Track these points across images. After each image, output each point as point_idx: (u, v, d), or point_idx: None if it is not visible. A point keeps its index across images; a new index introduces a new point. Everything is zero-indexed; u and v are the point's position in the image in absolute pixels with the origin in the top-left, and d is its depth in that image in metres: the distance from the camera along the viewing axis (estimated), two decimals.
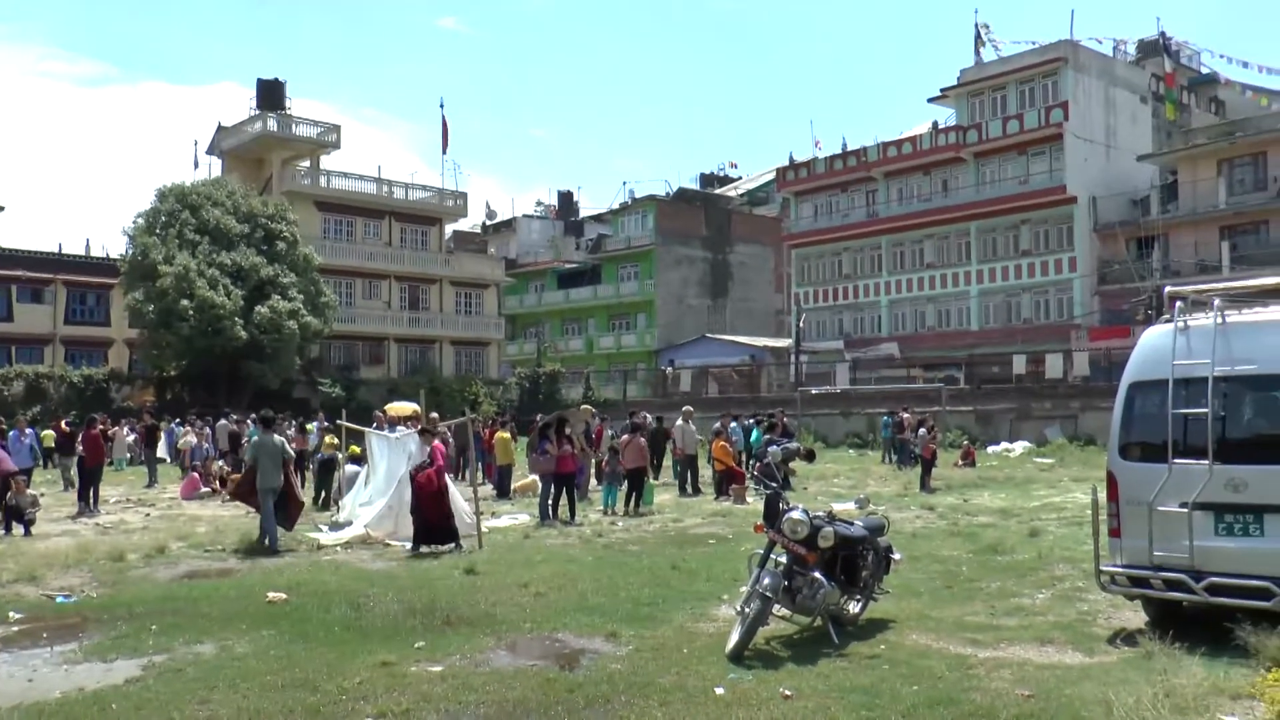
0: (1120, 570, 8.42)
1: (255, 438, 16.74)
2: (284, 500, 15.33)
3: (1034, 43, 50.72)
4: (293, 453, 16.47)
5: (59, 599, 11.01)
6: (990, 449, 34.23)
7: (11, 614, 10.19)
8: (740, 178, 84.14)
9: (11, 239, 56.57)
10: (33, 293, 53.06)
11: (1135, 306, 40.76)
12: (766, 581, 8.19)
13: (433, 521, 14.43)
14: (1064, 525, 15.87)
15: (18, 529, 16.38)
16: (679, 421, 23.95)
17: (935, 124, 56.13)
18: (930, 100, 55.23)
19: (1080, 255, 48.02)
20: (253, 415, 27.32)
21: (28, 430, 23.09)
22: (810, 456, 11.42)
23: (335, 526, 16.74)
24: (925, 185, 54.44)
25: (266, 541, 14.66)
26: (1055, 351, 42.13)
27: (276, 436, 15.97)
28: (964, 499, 20.52)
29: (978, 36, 53.33)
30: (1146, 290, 40.51)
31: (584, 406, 24.15)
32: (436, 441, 15.30)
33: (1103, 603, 9.67)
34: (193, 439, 27.46)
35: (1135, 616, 9.13)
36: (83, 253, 58.07)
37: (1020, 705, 6.71)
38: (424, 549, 14.23)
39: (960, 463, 28.83)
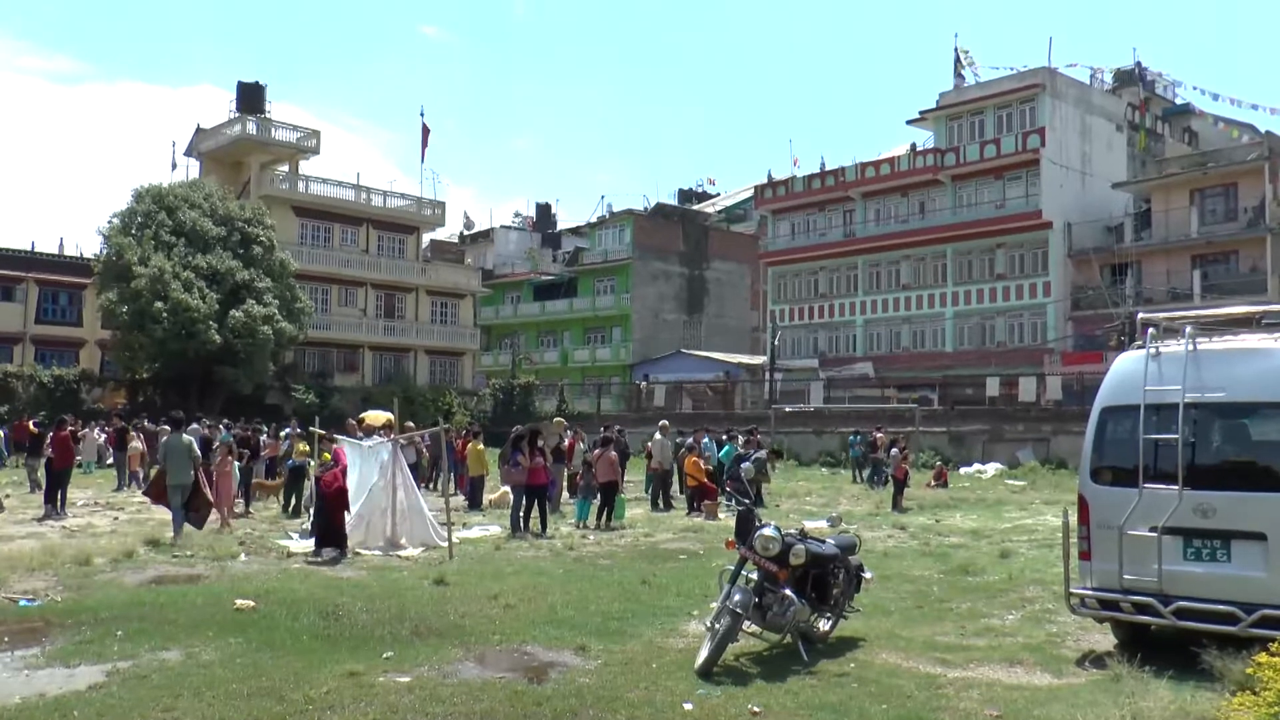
0: (1090, 593, 8.46)
1: (165, 439, 17.31)
2: (193, 499, 16.15)
3: (1013, 68, 51.25)
4: (199, 454, 17.09)
5: (22, 602, 10.84)
6: (963, 470, 34.39)
7: None
8: (718, 194, 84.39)
9: None
10: (3, 290, 52.50)
11: (1108, 332, 41.16)
12: (737, 598, 8.18)
13: (338, 524, 14.76)
14: (1035, 547, 15.94)
15: None
16: (656, 435, 23.93)
17: (914, 146, 56.56)
18: (909, 122, 55.60)
19: (1055, 280, 48.41)
20: (224, 420, 27.18)
21: None
22: (777, 455, 11.47)
23: (305, 534, 16.61)
24: (903, 206, 54.75)
25: (170, 536, 15.41)
26: (1029, 375, 42.40)
27: (185, 437, 16.92)
28: (936, 519, 20.59)
29: (957, 60, 53.77)
30: (1119, 316, 40.92)
31: (557, 420, 24.11)
32: (338, 446, 16.03)
33: (1072, 625, 9.71)
34: (138, 445, 27.07)
35: (1104, 639, 9.17)
36: (56, 251, 57.52)
37: None
38: (393, 556, 14.18)
39: (933, 483, 28.93)
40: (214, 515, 17.16)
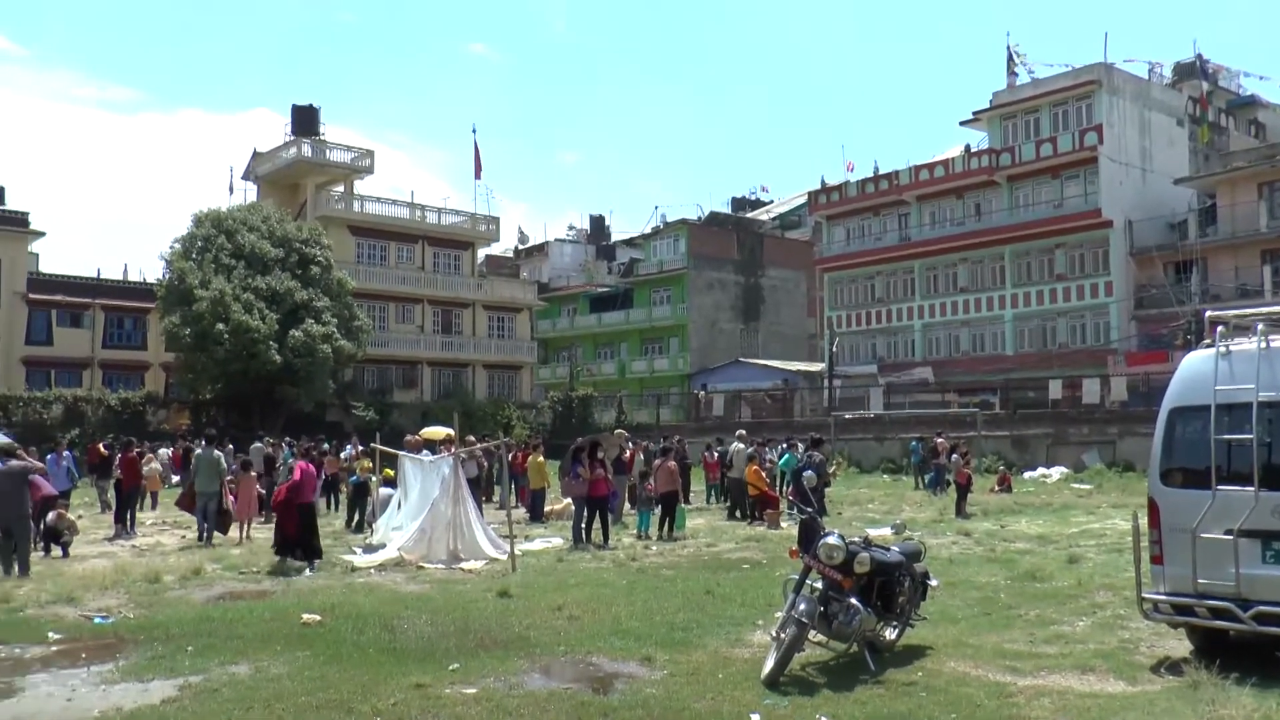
0: (1163, 598, 8.27)
1: (197, 453, 20.12)
2: (217, 508, 18.61)
3: (1067, 66, 50.54)
4: (226, 467, 19.60)
5: (96, 620, 11.08)
6: (1026, 474, 33.91)
7: (50, 634, 10.27)
8: (772, 201, 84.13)
9: (51, 264, 57.30)
10: (72, 317, 53.80)
11: (1174, 331, 40.37)
12: (802, 607, 8.13)
13: (290, 534, 15.52)
14: (1103, 552, 15.67)
15: (55, 550, 16.53)
16: (735, 445, 23.93)
17: (967, 147, 55.97)
18: (962, 123, 55.07)
19: (1116, 279, 47.62)
20: (287, 439, 27.52)
21: (64, 453, 23.33)
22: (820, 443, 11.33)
23: (369, 549, 16.82)
24: (958, 209, 54.21)
25: (203, 534, 18.09)
26: (1092, 376, 41.71)
27: (215, 452, 19.50)
28: (1001, 525, 20.33)
29: (1010, 59, 53.14)
30: (1185, 315, 40.12)
31: (618, 431, 24.16)
32: (302, 462, 17.03)
33: (1145, 631, 9.51)
34: (156, 465, 27.20)
35: (1180, 645, 8.96)
36: (120, 278, 58.77)
37: None
38: (456, 570, 14.31)
39: (996, 488, 28.57)
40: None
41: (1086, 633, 9.78)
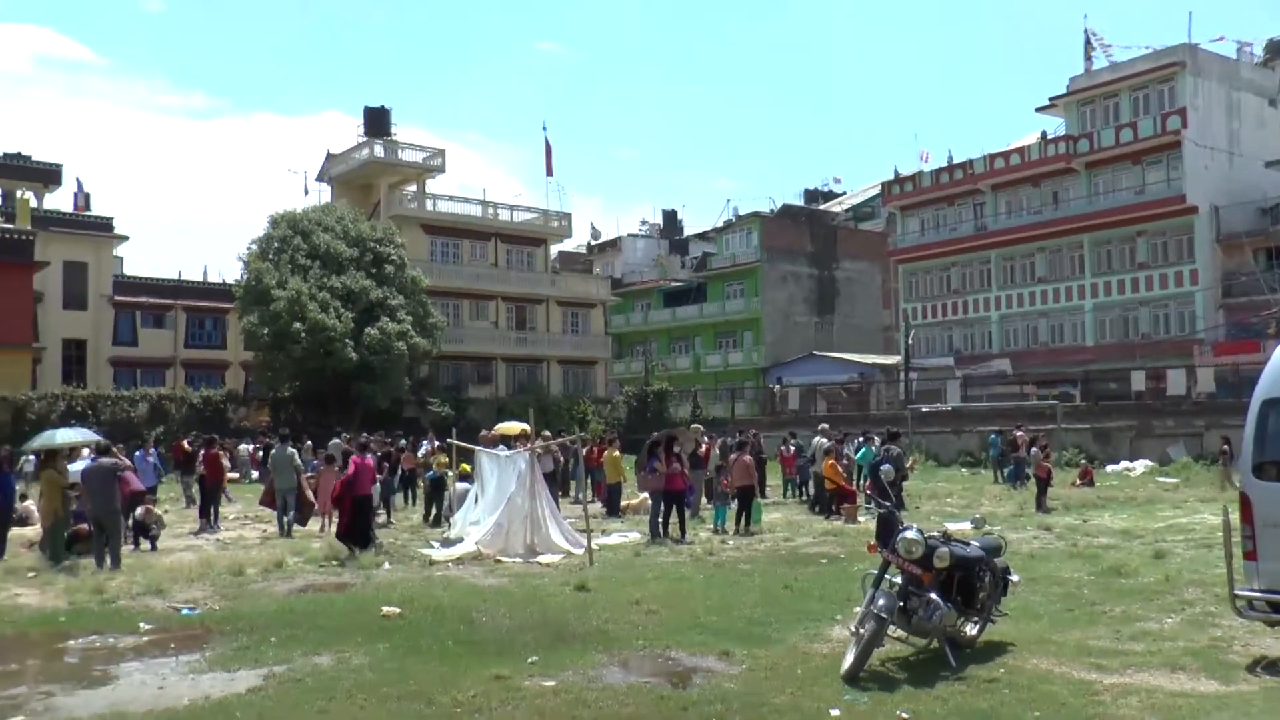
0: (1258, 595, 8.06)
1: (274, 451, 21.34)
2: (298, 501, 19.54)
3: (1148, 48, 49.26)
4: (301, 463, 20.52)
5: (184, 611, 11.38)
6: (1109, 468, 33.26)
7: (141, 625, 10.59)
8: (845, 193, 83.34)
9: (135, 268, 58.72)
10: (155, 318, 55.29)
11: (1266, 320, 39.24)
12: (881, 602, 8.06)
13: (345, 523, 16.43)
14: (1192, 547, 15.33)
15: (144, 544, 16.97)
16: (817, 439, 23.85)
17: (1044, 134, 54.95)
18: (1038, 110, 54.05)
19: (1202, 267, 46.38)
20: (364, 435, 27.87)
21: (151, 450, 23.94)
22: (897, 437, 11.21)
23: (446, 543, 17.01)
24: (1035, 197, 53.25)
25: (283, 528, 19.05)
26: (1177, 367, 40.75)
27: (289, 449, 20.40)
28: (1083, 519, 19.96)
29: (1087, 43, 52.04)
30: (1277, 303, 38.98)
31: (693, 426, 24.18)
32: (356, 456, 17.42)
33: (1238, 629, 9.27)
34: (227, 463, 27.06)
35: (1276, 644, 8.73)
36: (200, 279, 60.14)
37: None
38: (534, 564, 14.48)
39: (1078, 482, 28.05)
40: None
41: (1175, 630, 9.56)
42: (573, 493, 24.61)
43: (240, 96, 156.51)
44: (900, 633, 8.42)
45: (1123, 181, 49.58)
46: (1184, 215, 46.74)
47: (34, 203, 52.15)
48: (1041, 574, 12.80)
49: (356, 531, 16.38)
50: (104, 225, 55.07)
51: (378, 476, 21.37)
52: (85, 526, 15.57)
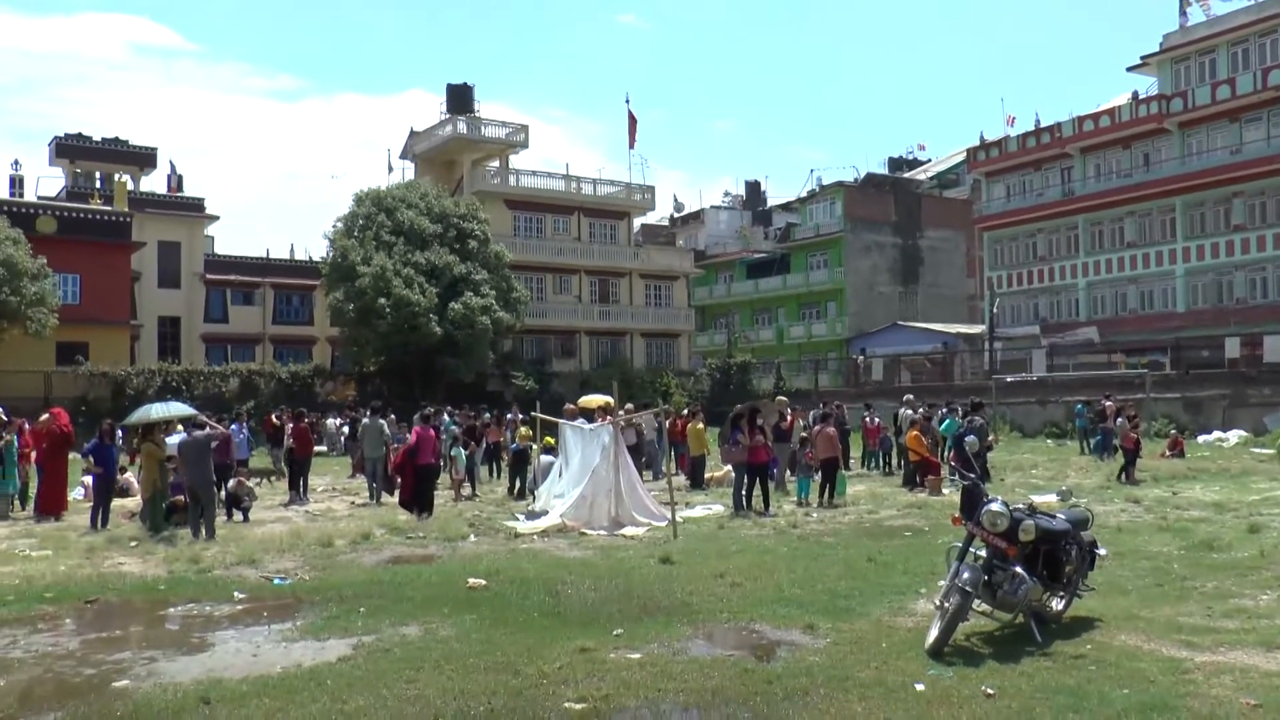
0: None
1: (364, 422, 22.57)
2: (385, 471, 20.35)
3: (1249, 0, 47.46)
4: (389, 434, 21.78)
5: (276, 581, 11.70)
6: (1201, 439, 32.45)
7: (236, 594, 10.93)
8: (929, 160, 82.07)
9: (225, 247, 60.23)
10: (244, 296, 56.76)
11: None
12: (966, 576, 8.00)
13: (408, 491, 17.68)
14: None
15: (237, 516, 17.47)
16: (904, 410, 23.68)
17: (1135, 94, 53.37)
18: (1130, 69, 52.56)
19: None
20: (449, 408, 28.30)
21: (244, 424, 24.62)
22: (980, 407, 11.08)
23: (531, 515, 17.23)
24: (1125, 160, 51.86)
25: (373, 494, 20.25)
26: (1275, 333, 39.49)
27: (379, 420, 21.48)
28: (1173, 492, 19.51)
29: None
30: None
31: (779, 398, 24.13)
32: (418, 427, 18.43)
33: None
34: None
35: None
36: (288, 257, 61.45)
37: (1246, 715, 6.31)
38: (618, 536, 14.66)
39: (1168, 453, 27.40)
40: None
41: (1272, 607, 9.31)
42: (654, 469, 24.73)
43: (325, 78, 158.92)
44: (985, 607, 8.31)
45: (1218, 141, 48.03)
46: None
47: (130, 185, 53.82)
48: (1129, 548, 12.58)
49: (420, 498, 17.54)
50: (196, 206, 56.53)
51: (465, 449, 21.92)
52: (182, 498, 16.09)
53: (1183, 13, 50.18)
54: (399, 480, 19.02)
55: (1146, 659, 7.61)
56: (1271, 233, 45.86)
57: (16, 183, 52.94)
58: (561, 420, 19.44)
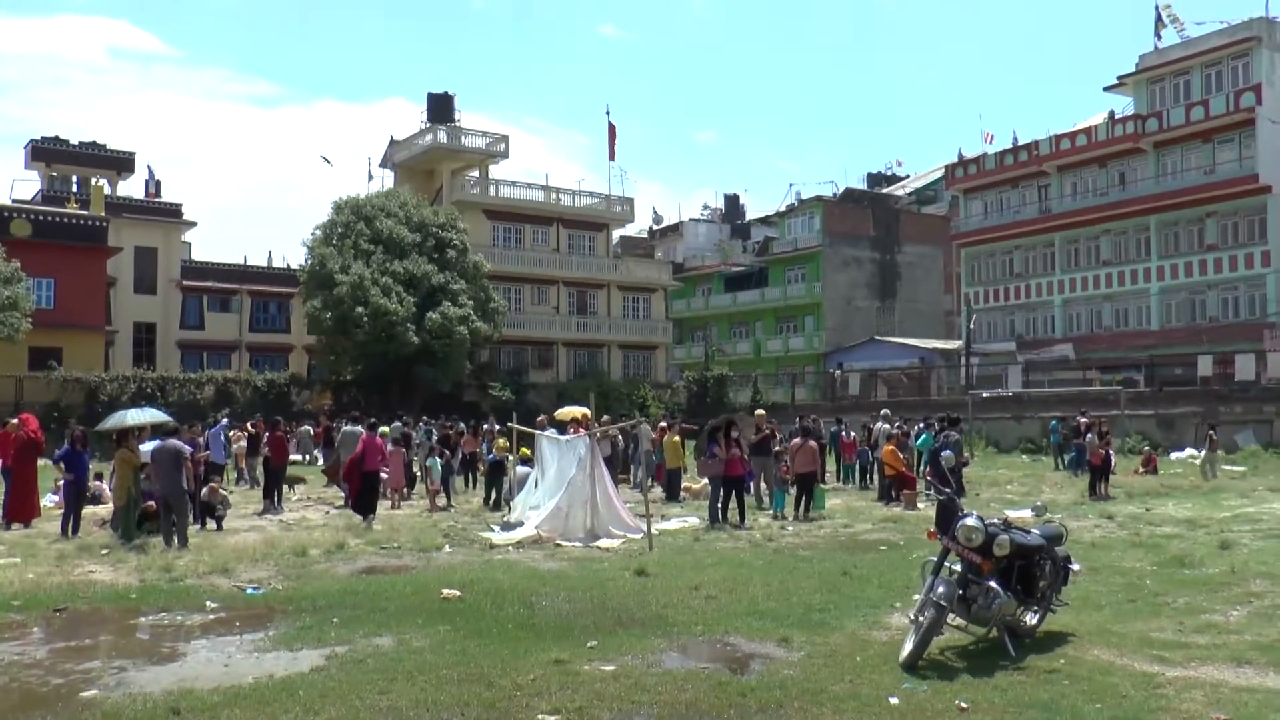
0: None
1: (343, 429, 23.45)
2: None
3: (1223, 22, 48.10)
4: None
5: (249, 590, 11.61)
6: (1174, 455, 32.70)
7: (208, 603, 10.84)
8: (908, 176, 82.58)
9: (202, 253, 59.82)
10: (221, 302, 56.42)
11: None
12: (941, 590, 8.03)
13: (354, 494, 18.82)
14: (1261, 538, 15.07)
15: (210, 524, 17.33)
16: (880, 424, 23.75)
17: (1111, 113, 53.96)
18: (1106, 89, 53.12)
19: (1275, 249, 45.19)
20: (425, 418, 28.24)
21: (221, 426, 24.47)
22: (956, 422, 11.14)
23: (507, 526, 17.18)
24: (1101, 178, 52.34)
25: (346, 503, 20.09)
26: (1246, 352, 39.86)
27: (358, 428, 21.47)
28: (1146, 508, 19.66)
29: (1158, 19, 51.01)
30: None
31: (758, 412, 24.15)
32: (366, 435, 19.24)
33: None
34: (243, 442, 26.28)
35: None
36: (265, 264, 61.09)
37: None
38: (594, 548, 14.63)
39: (1141, 469, 27.60)
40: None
41: (1242, 623, 9.39)
42: (632, 478, 24.71)
43: (304, 84, 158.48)
44: (959, 621, 8.35)
45: (1192, 161, 48.57)
46: (1256, 195, 45.66)
47: (107, 190, 53.42)
48: (1103, 563, 12.66)
49: (364, 503, 18.31)
50: (173, 211, 56.19)
51: (440, 459, 21.87)
52: (153, 504, 15.94)
53: (1158, 34, 50.90)
54: (400, 490, 20.26)
55: (1119, 674, 7.65)
56: (1243, 252, 46.38)
57: None
58: (537, 431, 19.42)
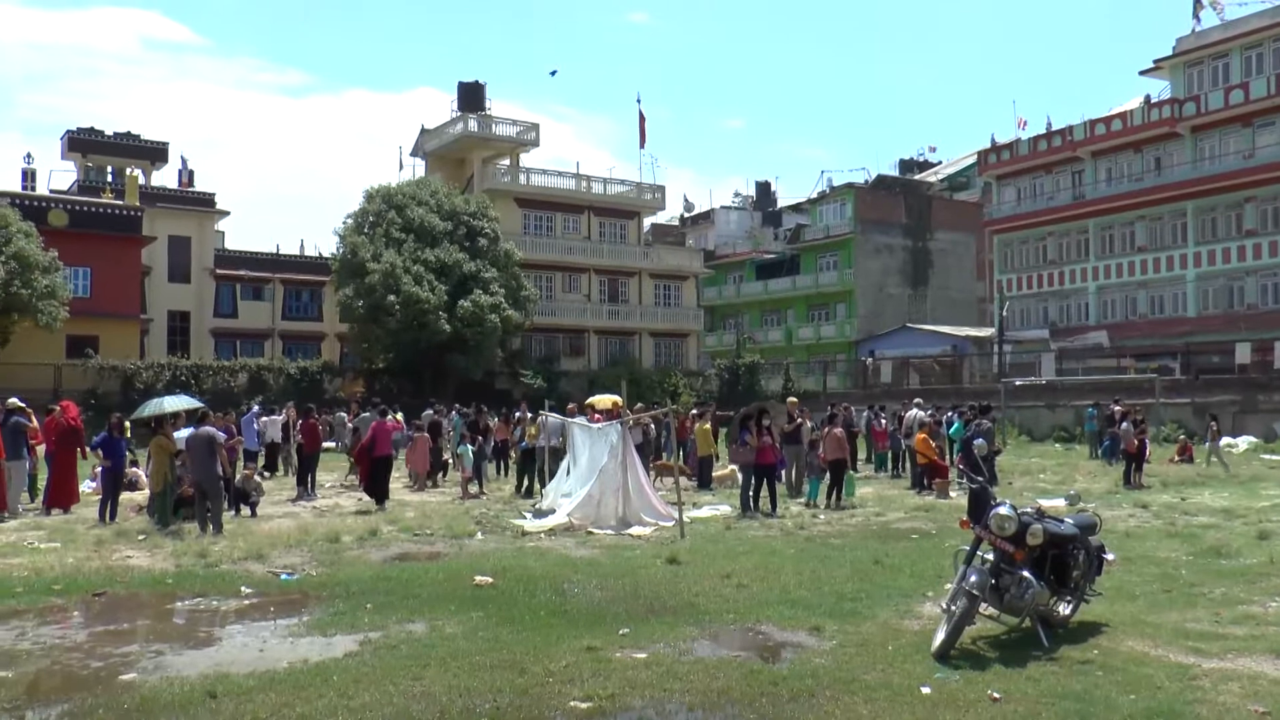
0: None
1: (364, 415, 24.14)
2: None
3: (1264, 3, 47.24)
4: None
5: (283, 576, 11.73)
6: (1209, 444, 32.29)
7: (243, 588, 10.96)
8: (940, 162, 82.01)
9: (235, 242, 60.39)
10: (254, 291, 56.85)
11: None
12: (973, 579, 7.99)
13: (364, 478, 19.29)
14: None
15: (244, 510, 17.51)
16: (912, 412, 23.68)
17: (1148, 98, 53.28)
18: (1142, 73, 52.41)
19: None
20: (457, 405, 28.34)
21: (253, 413, 24.74)
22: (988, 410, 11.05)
23: (539, 514, 17.25)
24: (1136, 164, 51.72)
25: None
26: None
27: (389, 419, 21.37)
28: (1181, 497, 19.48)
29: (1196, 2, 50.26)
30: None
31: (790, 400, 24.12)
32: (376, 421, 19.80)
33: None
34: (276, 432, 25.68)
35: None
36: (298, 253, 61.54)
37: None
38: (625, 535, 14.68)
39: (1177, 458, 27.34)
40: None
41: None
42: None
43: (334, 74, 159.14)
44: (992, 611, 8.30)
45: (1231, 145, 47.88)
46: None
47: (142, 180, 53.87)
48: (1137, 553, 12.56)
49: (375, 487, 18.84)
50: (206, 201, 56.66)
51: (471, 446, 21.98)
52: (189, 489, 16.11)
53: (1196, 16, 50.11)
54: (425, 473, 20.71)
55: (1154, 665, 7.59)
56: None
57: (29, 176, 53.07)
58: (570, 419, 19.46)
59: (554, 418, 20.03)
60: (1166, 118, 49.40)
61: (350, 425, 30.04)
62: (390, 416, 21.68)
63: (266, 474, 24.17)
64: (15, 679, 7.55)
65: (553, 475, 19.80)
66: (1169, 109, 49.43)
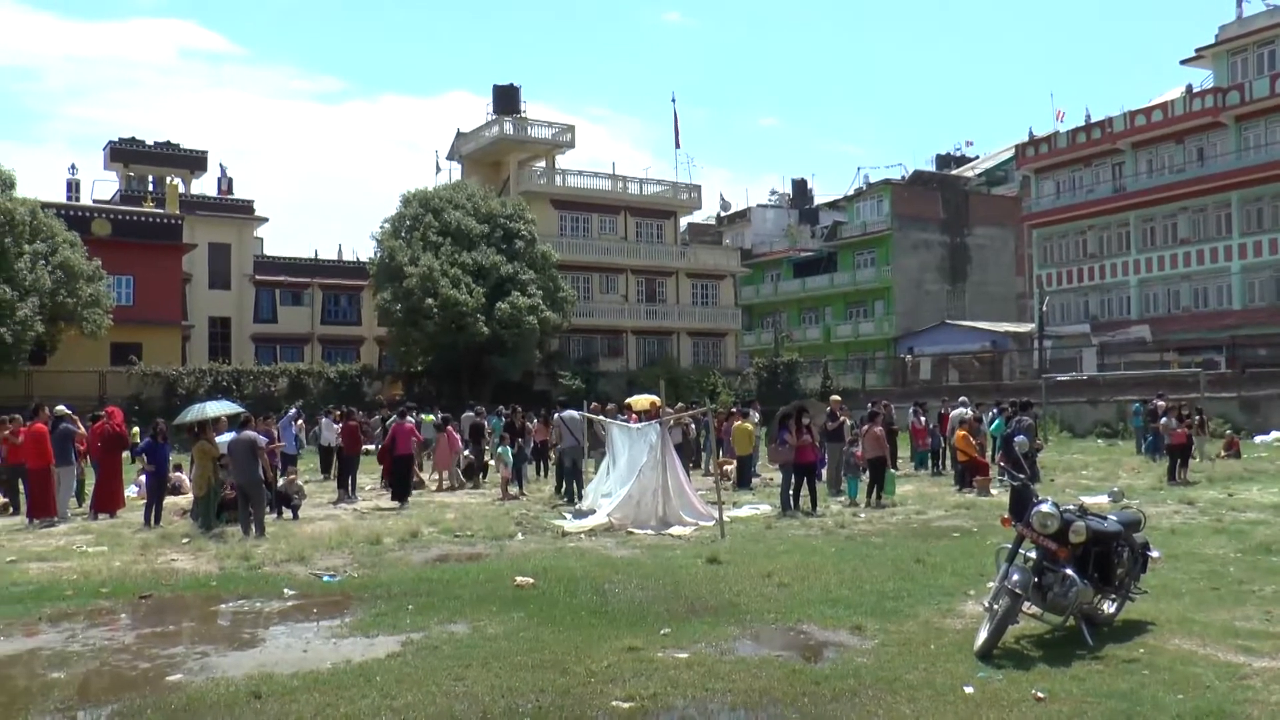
0: None
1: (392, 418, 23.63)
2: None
3: None
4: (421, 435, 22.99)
5: (325, 578, 11.79)
6: (1258, 439, 31.88)
7: (286, 590, 11.05)
8: (977, 157, 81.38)
9: (274, 248, 60.95)
10: (293, 296, 57.42)
11: None
12: (1015, 577, 7.91)
13: (387, 477, 20.22)
14: None
15: (286, 513, 17.67)
16: (957, 409, 23.50)
17: (1189, 87, 52.58)
18: (1183, 62, 51.80)
19: None
20: (498, 407, 28.42)
21: (292, 414, 24.98)
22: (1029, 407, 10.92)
23: (579, 514, 17.27)
24: (1178, 155, 51.08)
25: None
26: None
27: (409, 419, 21.69)
28: (1228, 493, 19.18)
29: None
30: None
31: (833, 398, 24.05)
32: (395, 422, 20.68)
33: None
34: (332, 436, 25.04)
35: None
36: (336, 258, 62.09)
37: None
38: (665, 535, 14.68)
39: (1223, 454, 26.96)
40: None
41: None
42: (703, 465, 24.72)
43: (369, 80, 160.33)
44: (1035, 609, 8.21)
45: (1276, 134, 47.16)
46: None
47: (182, 188, 54.60)
48: (1183, 550, 12.39)
49: (398, 487, 19.57)
50: (245, 208, 57.29)
51: (511, 448, 22.08)
52: (232, 493, 16.28)
53: (1239, 4, 49.39)
54: (449, 469, 21.14)
55: (1202, 664, 7.48)
56: None
57: (73, 187, 53.96)
58: (609, 419, 19.48)
59: (572, 414, 20.09)
60: (1210, 107, 48.76)
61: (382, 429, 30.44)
62: (410, 419, 21.78)
63: (324, 475, 24.47)
64: (66, 680, 7.67)
65: (563, 476, 20.42)
66: (1212, 98, 48.80)
